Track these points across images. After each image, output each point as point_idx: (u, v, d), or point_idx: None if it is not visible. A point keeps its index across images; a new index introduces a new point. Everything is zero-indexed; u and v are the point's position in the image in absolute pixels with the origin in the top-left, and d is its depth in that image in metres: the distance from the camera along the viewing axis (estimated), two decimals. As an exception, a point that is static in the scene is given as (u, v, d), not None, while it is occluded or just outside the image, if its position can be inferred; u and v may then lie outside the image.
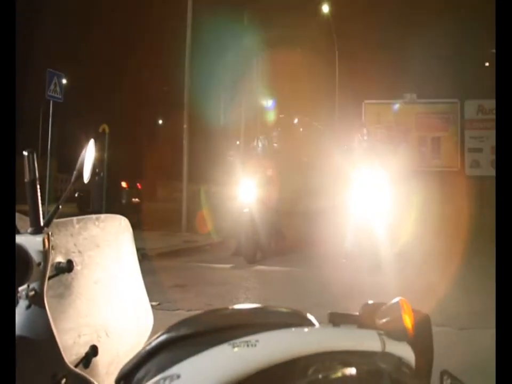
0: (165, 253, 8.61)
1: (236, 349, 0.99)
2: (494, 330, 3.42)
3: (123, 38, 36.09)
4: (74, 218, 1.69)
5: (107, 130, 10.57)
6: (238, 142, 11.29)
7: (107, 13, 36.57)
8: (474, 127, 22.50)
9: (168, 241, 9.76)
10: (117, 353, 1.71)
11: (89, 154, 1.60)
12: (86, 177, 1.61)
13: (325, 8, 23.63)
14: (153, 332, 1.80)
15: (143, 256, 7.92)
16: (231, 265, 7.75)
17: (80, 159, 1.58)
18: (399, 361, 1.01)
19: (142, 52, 37.28)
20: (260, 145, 8.59)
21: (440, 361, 3.41)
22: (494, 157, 21.98)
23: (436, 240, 10.44)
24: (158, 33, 36.00)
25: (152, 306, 5.06)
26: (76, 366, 1.51)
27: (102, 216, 1.82)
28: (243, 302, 5.35)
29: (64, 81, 11.26)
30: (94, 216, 1.79)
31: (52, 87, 9.63)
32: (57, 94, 9.76)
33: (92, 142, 1.62)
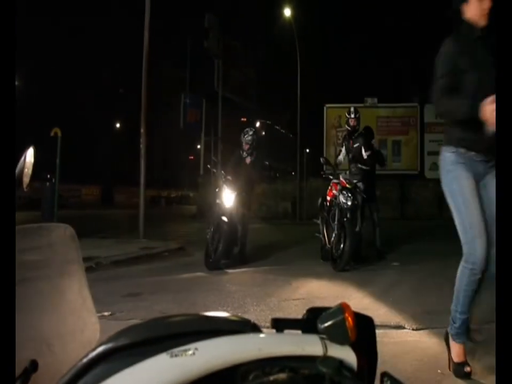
0: (120, 260, 8.31)
1: (174, 358, 0.97)
2: (444, 330, 3.47)
3: (79, 37, 35.42)
4: None
5: (59, 134, 10.22)
6: (213, 158, 10.97)
7: (62, 11, 35.86)
8: (433, 130, 22.98)
9: (125, 248, 9.45)
10: (60, 367, 1.59)
11: (28, 161, 1.58)
12: (25, 185, 1.59)
13: (287, 12, 23.66)
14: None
15: (97, 264, 7.72)
16: (190, 271, 7.57)
17: (18, 166, 1.55)
18: (340, 365, 1.00)
19: (99, 53, 36.68)
20: (249, 137, 8.48)
21: (394, 361, 3.35)
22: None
23: (395, 241, 10.59)
24: (115, 34, 35.50)
25: (103, 316, 4.84)
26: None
27: (45, 225, 1.75)
28: (201, 309, 5.14)
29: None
30: (35, 225, 1.73)
31: None
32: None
33: (31, 149, 1.61)
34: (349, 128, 8.49)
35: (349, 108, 8.77)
